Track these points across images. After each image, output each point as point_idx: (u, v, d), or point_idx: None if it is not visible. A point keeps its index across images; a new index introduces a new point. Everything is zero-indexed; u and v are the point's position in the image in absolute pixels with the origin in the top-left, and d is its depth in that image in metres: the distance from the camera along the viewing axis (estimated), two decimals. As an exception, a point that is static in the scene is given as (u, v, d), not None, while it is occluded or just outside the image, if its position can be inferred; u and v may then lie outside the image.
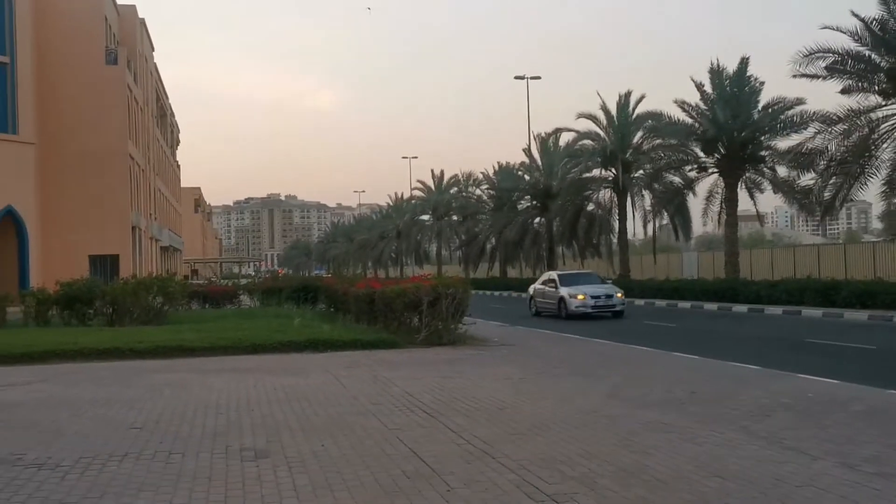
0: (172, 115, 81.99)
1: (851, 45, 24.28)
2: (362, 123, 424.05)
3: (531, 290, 30.46)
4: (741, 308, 28.31)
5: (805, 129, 31.35)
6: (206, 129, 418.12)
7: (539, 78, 54.77)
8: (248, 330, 19.43)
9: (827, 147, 25.36)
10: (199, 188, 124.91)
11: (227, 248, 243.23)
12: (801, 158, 27.65)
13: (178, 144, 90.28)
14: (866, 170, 25.02)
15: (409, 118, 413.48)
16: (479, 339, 18.59)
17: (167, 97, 75.09)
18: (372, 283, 22.04)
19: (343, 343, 17.21)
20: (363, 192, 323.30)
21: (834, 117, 25.02)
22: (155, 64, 64.64)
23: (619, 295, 27.00)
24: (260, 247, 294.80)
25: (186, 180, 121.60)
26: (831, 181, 25.57)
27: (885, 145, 24.78)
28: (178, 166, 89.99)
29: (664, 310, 31.29)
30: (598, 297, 26.63)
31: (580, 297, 26.63)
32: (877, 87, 24.49)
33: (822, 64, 24.27)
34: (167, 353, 16.31)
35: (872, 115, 24.77)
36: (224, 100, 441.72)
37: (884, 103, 24.57)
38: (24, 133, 41.39)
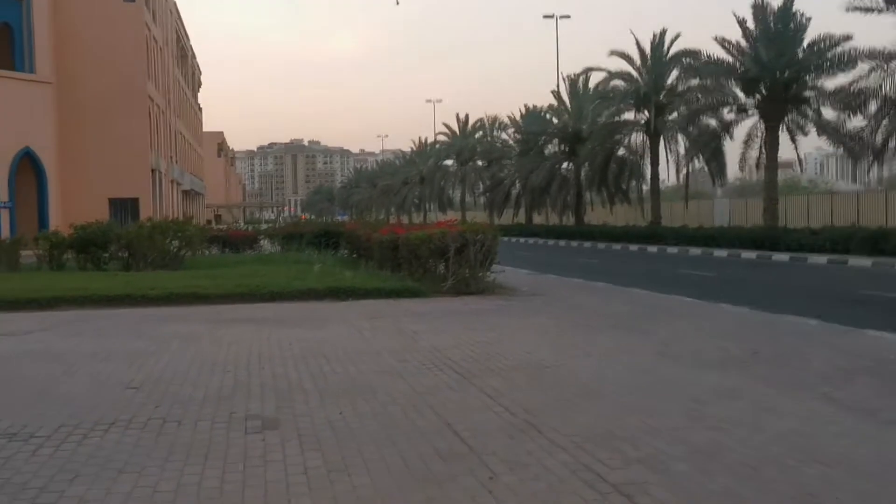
0: (194, 56, 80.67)
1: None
2: (387, 68, 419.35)
3: None
4: (782, 256, 27.03)
5: (853, 67, 29.67)
6: (229, 72, 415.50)
7: (569, 17, 53.17)
8: (266, 276, 18.51)
9: (881, 86, 23.75)
10: (221, 132, 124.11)
11: (250, 193, 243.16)
12: (851, 98, 26.04)
13: (199, 87, 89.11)
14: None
15: (436, 63, 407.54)
16: (509, 288, 17.57)
17: (188, 38, 73.71)
18: (396, 228, 21.01)
19: (365, 291, 16.25)
20: (387, 136, 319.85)
21: (890, 52, 23.32)
22: (175, 2, 63.16)
23: None
24: (283, 192, 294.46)
25: (209, 124, 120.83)
26: (884, 122, 23.98)
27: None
28: (200, 109, 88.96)
29: (700, 258, 30.06)
30: None
31: None
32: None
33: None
34: (181, 301, 15.45)
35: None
36: (249, 43, 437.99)
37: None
38: (41, 72, 40.45)
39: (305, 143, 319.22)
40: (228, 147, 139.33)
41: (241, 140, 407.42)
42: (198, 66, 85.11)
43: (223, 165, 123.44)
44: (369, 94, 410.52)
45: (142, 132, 44.00)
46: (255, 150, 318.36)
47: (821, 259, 25.21)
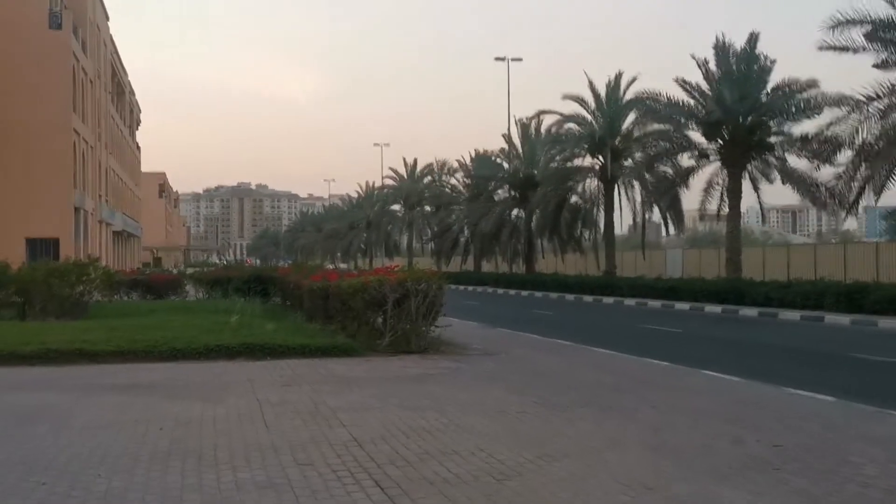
0: (132, 93, 77.60)
1: (890, 12, 21.03)
2: (335, 112, 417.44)
3: None
4: (749, 312, 25.10)
5: (818, 113, 28.31)
6: (174, 115, 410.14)
7: (521, 60, 51.75)
8: (174, 329, 15.86)
9: (858, 130, 22.12)
10: (163, 173, 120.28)
11: (195, 236, 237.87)
12: (822, 146, 24.43)
13: (138, 125, 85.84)
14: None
15: (384, 106, 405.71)
16: (456, 346, 15.21)
17: (126, 73, 70.73)
18: (329, 274, 18.54)
19: (286, 349, 13.72)
20: (333, 181, 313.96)
21: (865, 97, 21.74)
22: (111, 36, 60.38)
23: None
24: (230, 236, 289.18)
25: (153, 165, 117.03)
26: (860, 172, 22.31)
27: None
28: (139, 148, 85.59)
29: (661, 311, 28.04)
30: None
31: None
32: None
33: (858, 31, 21.00)
34: (60, 360, 12.75)
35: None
36: (194, 87, 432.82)
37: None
38: (-47, 100, 37.34)
39: (253, 187, 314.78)
40: (171, 188, 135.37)
41: (186, 182, 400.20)
42: (136, 103, 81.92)
43: (164, 207, 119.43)
44: (317, 138, 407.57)
45: (64, 168, 40.80)
46: (202, 192, 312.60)
47: (792, 315, 23.32)
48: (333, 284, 15.83)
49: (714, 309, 26.65)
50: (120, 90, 67.40)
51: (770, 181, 29.73)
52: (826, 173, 26.78)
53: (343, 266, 55.83)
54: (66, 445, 6.84)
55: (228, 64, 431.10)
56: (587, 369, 12.42)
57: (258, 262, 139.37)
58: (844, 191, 22.96)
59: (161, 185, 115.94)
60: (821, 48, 22.36)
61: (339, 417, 8.12)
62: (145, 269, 33.43)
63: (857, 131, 21.91)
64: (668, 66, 32.54)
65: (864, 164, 22.02)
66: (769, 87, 29.50)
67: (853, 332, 19.90)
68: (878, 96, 21.09)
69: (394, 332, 14.37)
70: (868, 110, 21.44)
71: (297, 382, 10.64)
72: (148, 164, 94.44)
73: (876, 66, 21.45)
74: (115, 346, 13.39)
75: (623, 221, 41.39)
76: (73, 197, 41.71)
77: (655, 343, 17.42)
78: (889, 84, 21.15)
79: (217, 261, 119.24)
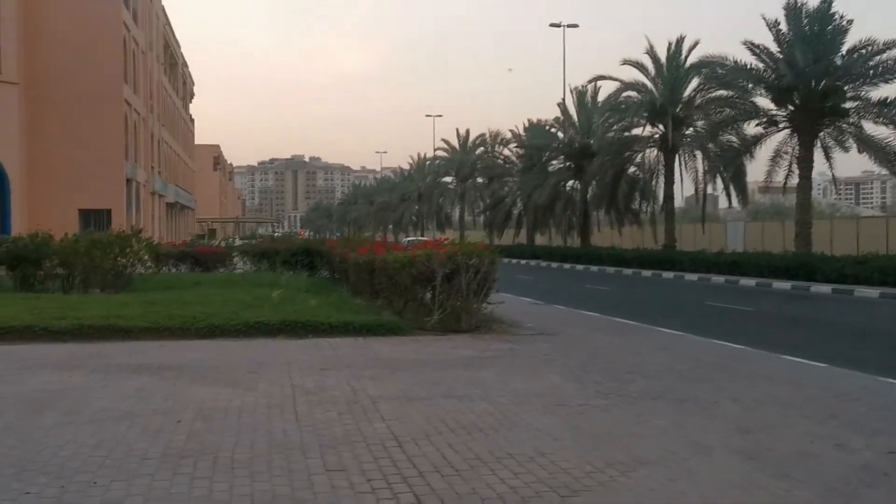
0: (185, 65, 77.61)
1: None
2: (389, 84, 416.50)
3: None
4: (822, 288, 23.62)
5: (899, 77, 26.49)
6: (230, 88, 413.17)
7: (577, 26, 49.93)
8: (214, 304, 15.16)
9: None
10: (218, 146, 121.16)
11: (250, 209, 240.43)
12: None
13: (192, 97, 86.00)
14: None
15: (437, 78, 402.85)
16: (509, 324, 14.26)
17: (178, 45, 70.61)
18: (376, 247, 17.62)
19: (329, 326, 12.92)
20: (385, 153, 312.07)
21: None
22: (163, 6, 60.12)
23: None
24: (284, 208, 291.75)
25: (207, 137, 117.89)
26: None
27: None
28: (192, 120, 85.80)
29: (725, 288, 26.66)
30: None
31: None
32: None
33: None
34: (93, 335, 12.15)
35: None
36: (250, 60, 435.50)
37: None
38: (6, 72, 37.32)
39: (306, 160, 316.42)
40: (226, 161, 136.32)
41: (241, 155, 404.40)
42: (190, 75, 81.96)
43: (219, 179, 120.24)
44: (371, 110, 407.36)
45: (116, 139, 40.66)
46: (256, 165, 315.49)
47: (870, 292, 21.82)
48: (379, 258, 14.94)
49: (783, 285, 25.20)
50: (173, 62, 67.32)
51: (845, 149, 27.95)
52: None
53: (408, 239, 55.12)
54: (70, 441, 6.06)
55: (282, 37, 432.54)
56: (653, 352, 11.35)
57: (312, 234, 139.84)
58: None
59: (215, 157, 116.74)
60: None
61: (380, 409, 7.23)
62: (195, 241, 32.95)
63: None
64: (732, 31, 30.62)
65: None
66: (844, 48, 27.67)
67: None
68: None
69: (443, 310, 13.47)
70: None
71: (336, 365, 9.79)
72: (202, 137, 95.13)
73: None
74: (150, 322, 12.72)
75: (681, 193, 39.81)
76: (125, 168, 41.58)
77: (725, 323, 16.23)
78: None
79: (270, 232, 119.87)
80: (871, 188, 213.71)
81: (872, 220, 44.27)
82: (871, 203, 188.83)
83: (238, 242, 33.69)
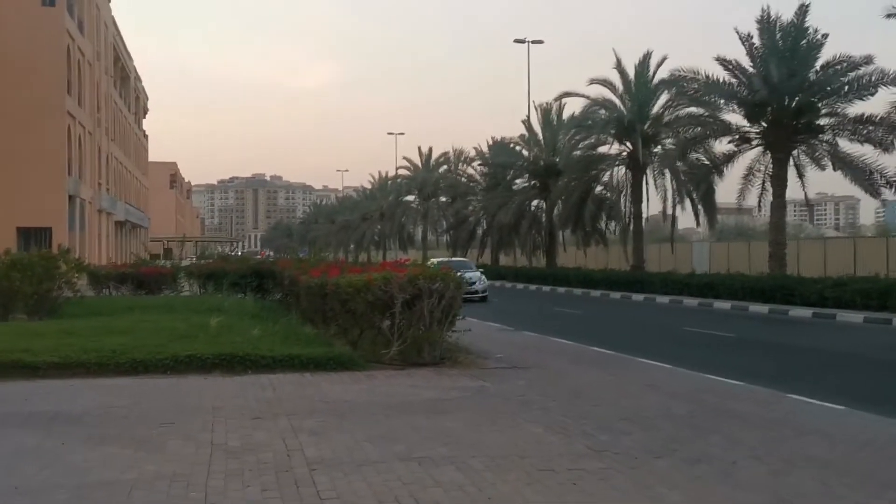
0: (138, 79, 75.34)
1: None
2: (350, 103, 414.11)
3: None
4: (802, 312, 22.43)
5: (874, 93, 25.64)
6: (188, 105, 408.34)
7: (542, 42, 48.94)
8: (143, 333, 13.41)
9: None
10: (174, 163, 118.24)
11: (209, 228, 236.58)
12: (886, 129, 21.79)
13: (146, 113, 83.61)
14: None
15: (400, 96, 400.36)
16: (476, 354, 12.81)
17: (130, 58, 68.39)
18: (331, 269, 15.97)
19: (272, 361, 11.29)
20: (347, 171, 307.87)
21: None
22: (113, 18, 58.01)
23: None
24: (244, 227, 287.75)
25: (164, 155, 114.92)
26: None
27: None
28: (146, 136, 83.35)
29: (700, 311, 25.41)
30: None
31: None
32: None
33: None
34: (-7, 373, 10.35)
35: None
36: (208, 77, 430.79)
37: None
38: (-62, 81, 35.10)
39: (267, 178, 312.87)
40: (183, 179, 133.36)
41: (200, 174, 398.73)
42: (143, 90, 79.61)
43: (175, 198, 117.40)
44: (333, 128, 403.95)
45: (57, 153, 38.46)
46: (216, 183, 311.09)
47: (853, 317, 20.65)
48: (332, 282, 13.31)
49: (760, 309, 23.99)
50: (124, 75, 65.11)
51: (821, 167, 26.88)
52: (883, 158, 24.24)
53: (435, 260, 52.51)
54: None
55: (243, 54, 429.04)
56: (643, 392, 9.88)
57: (272, 253, 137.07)
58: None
59: (172, 175, 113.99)
60: (889, 15, 19.60)
61: (317, 482, 5.62)
62: (142, 261, 31.02)
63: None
64: (702, 48, 29.42)
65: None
66: (818, 64, 26.69)
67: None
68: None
69: (403, 340, 11.91)
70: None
71: (273, 412, 8.18)
72: (159, 155, 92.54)
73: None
74: (60, 357, 10.97)
75: (651, 212, 38.68)
76: (68, 184, 39.39)
77: (710, 352, 14.85)
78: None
79: (229, 252, 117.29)
80: (825, 210, 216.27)
81: (839, 241, 43.64)
82: (826, 224, 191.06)
83: (185, 263, 31.74)
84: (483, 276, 31.41)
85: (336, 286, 12.90)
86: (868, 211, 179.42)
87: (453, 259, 37.87)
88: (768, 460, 6.44)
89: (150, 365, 11.00)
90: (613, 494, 5.54)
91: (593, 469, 6.10)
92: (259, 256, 79.55)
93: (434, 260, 26.22)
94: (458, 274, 24.96)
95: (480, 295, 29.40)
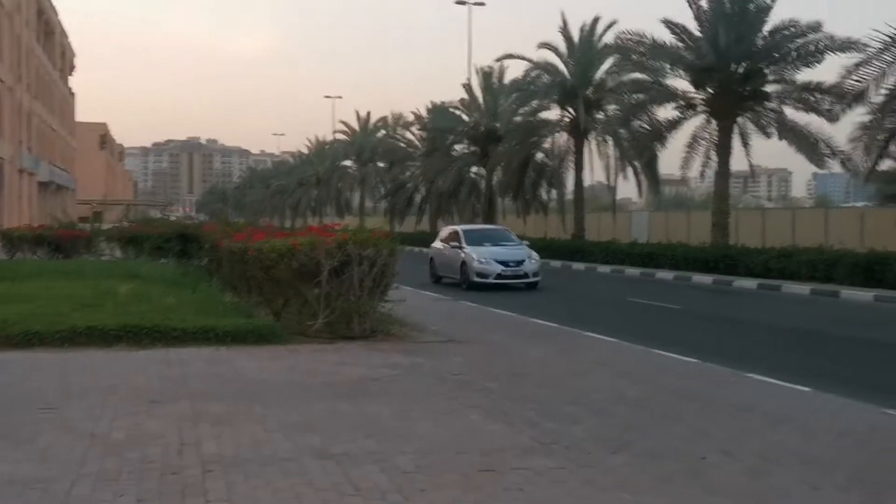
0: (64, 34, 71.76)
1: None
2: (289, 64, 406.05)
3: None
4: (747, 283, 21.98)
5: (821, 61, 25.20)
6: (122, 66, 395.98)
7: (483, 4, 47.61)
8: (43, 301, 12.17)
9: (884, 76, 18.88)
10: (104, 123, 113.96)
11: (143, 192, 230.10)
12: (834, 97, 21.32)
13: (72, 70, 79.96)
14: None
15: (338, 59, 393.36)
16: (410, 327, 11.87)
17: (56, 13, 65.00)
18: (256, 232, 14.80)
19: (183, 333, 10.18)
20: (283, 135, 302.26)
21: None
22: (35, -33, 54.79)
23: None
24: (179, 191, 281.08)
25: (96, 115, 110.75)
26: (886, 123, 19.09)
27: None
28: (73, 94, 79.85)
29: (642, 281, 24.86)
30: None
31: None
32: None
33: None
34: None
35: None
36: (143, 37, 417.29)
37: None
38: None
39: (203, 142, 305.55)
40: (115, 141, 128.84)
41: (134, 136, 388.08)
42: (69, 45, 75.95)
43: (106, 160, 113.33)
44: (270, 91, 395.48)
45: (-30, 108, 36.19)
46: (150, 146, 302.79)
47: (800, 288, 20.22)
48: (254, 246, 12.17)
49: (703, 279, 23.51)
50: (48, 30, 61.85)
51: (767, 135, 26.40)
52: (827, 128, 23.90)
53: (299, 224, 50.72)
54: None
55: (178, 16, 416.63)
56: (592, 370, 9.05)
57: (206, 218, 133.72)
58: (866, 148, 19.69)
59: (102, 136, 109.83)
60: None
61: (209, 488, 4.60)
62: (60, 223, 29.24)
63: (883, 76, 18.66)
64: (657, 12, 28.41)
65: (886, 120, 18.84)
66: (766, 28, 26.13)
67: (890, 311, 16.81)
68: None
69: (330, 311, 10.90)
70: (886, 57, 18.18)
71: (175, 395, 7.11)
72: (90, 115, 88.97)
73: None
74: (-59, 328, 9.69)
75: (595, 180, 38.06)
76: (-18, 141, 37.08)
77: (658, 325, 14.16)
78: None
79: (161, 216, 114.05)
80: (758, 182, 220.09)
81: (778, 212, 43.75)
82: (760, 196, 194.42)
83: (106, 226, 30.12)
84: (534, 254, 21.65)
85: (258, 251, 11.78)
86: (800, 184, 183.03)
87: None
88: (741, 456, 5.63)
89: (45, 337, 9.82)
90: (567, 499, 4.65)
91: (542, 468, 5.19)
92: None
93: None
94: (493, 248, 21.81)
95: (531, 280, 20.63)
